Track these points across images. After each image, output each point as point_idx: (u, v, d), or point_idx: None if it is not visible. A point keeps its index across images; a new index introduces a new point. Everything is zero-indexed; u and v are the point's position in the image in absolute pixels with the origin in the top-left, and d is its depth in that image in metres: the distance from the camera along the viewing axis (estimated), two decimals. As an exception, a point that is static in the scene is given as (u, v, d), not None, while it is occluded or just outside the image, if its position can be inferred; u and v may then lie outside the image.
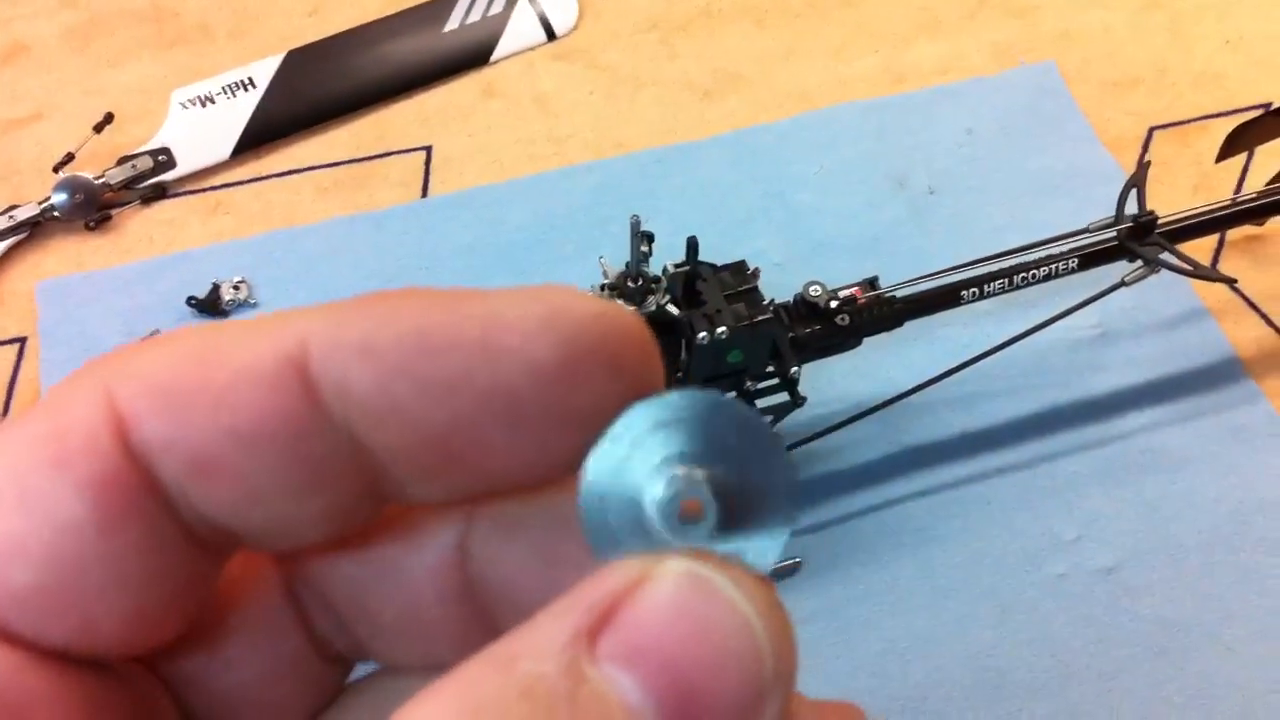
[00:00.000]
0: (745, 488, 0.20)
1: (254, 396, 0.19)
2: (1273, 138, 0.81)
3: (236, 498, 0.20)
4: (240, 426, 0.19)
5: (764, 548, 0.20)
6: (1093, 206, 0.88)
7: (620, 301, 0.66)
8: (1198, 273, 0.75)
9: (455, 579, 0.24)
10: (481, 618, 0.24)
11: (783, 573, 0.76)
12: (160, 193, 0.93)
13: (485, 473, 0.21)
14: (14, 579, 0.19)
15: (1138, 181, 0.77)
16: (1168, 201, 0.88)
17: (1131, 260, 0.76)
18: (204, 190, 0.94)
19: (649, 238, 0.65)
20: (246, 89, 0.97)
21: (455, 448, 0.20)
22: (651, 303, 0.66)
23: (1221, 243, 0.89)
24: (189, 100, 0.96)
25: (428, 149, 0.96)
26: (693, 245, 0.67)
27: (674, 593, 0.18)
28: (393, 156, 0.96)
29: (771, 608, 0.19)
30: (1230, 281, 0.77)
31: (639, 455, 0.20)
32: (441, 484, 0.21)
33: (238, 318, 0.86)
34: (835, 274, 0.77)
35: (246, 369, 0.19)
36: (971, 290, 0.74)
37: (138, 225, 0.92)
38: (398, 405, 0.19)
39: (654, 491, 0.20)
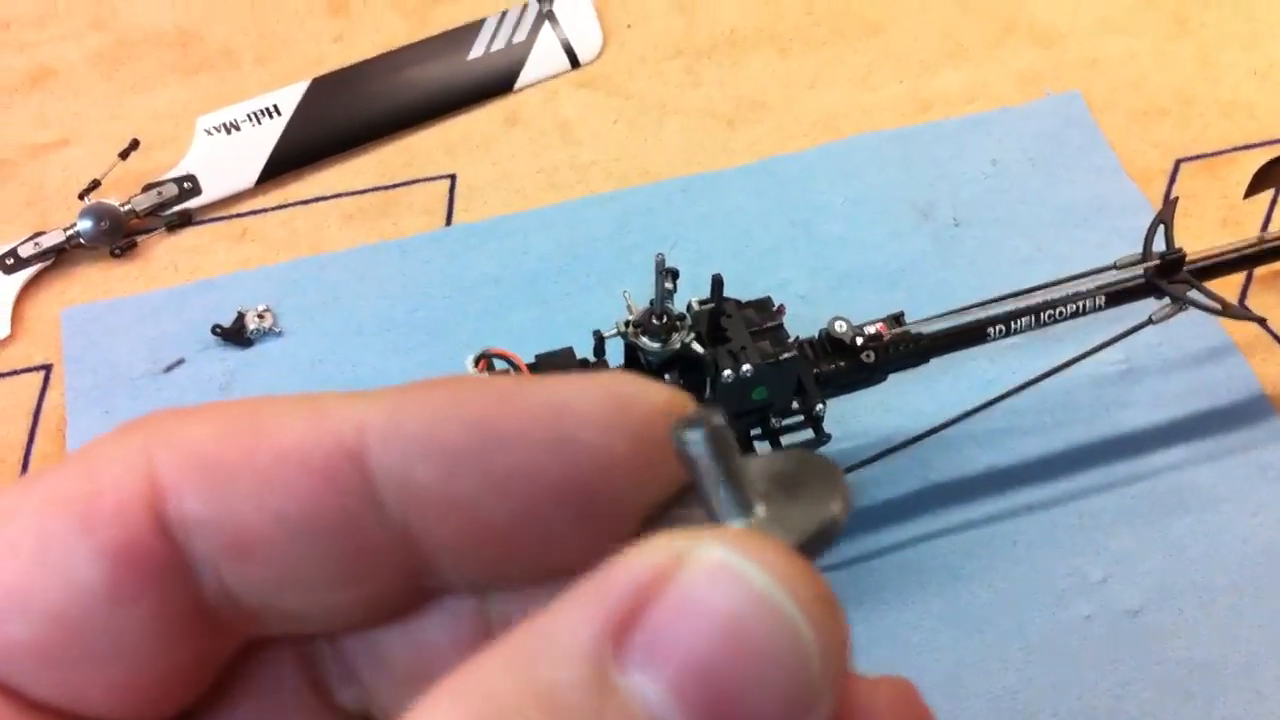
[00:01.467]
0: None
1: (304, 481, 0.19)
2: (1302, 174, 0.81)
3: (273, 582, 0.19)
4: (288, 511, 0.19)
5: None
6: (1119, 239, 0.88)
7: (645, 339, 0.66)
8: (1227, 311, 0.75)
9: (475, 627, 0.22)
10: None
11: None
12: (185, 220, 0.93)
13: (542, 565, 0.20)
14: (12, 632, 0.18)
15: (1165, 218, 0.77)
16: (1195, 235, 0.88)
17: (1159, 298, 0.75)
18: (229, 217, 0.94)
19: (674, 275, 0.65)
20: (272, 116, 0.97)
21: (517, 541, 0.19)
22: (676, 340, 0.65)
23: (1249, 278, 0.88)
24: (214, 127, 0.96)
25: (452, 177, 0.96)
26: (718, 283, 0.67)
27: (708, 588, 0.16)
28: (417, 184, 0.96)
29: (817, 597, 0.17)
30: (1260, 320, 0.76)
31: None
32: (491, 576, 0.21)
33: (263, 346, 0.86)
34: (860, 306, 0.76)
35: (298, 451, 0.19)
36: (998, 327, 0.74)
37: (163, 252, 0.92)
38: (462, 499, 0.19)
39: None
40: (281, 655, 0.23)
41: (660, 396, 0.20)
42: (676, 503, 0.20)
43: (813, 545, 0.19)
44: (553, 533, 0.20)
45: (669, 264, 0.65)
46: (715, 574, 0.17)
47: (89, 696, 0.19)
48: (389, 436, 0.19)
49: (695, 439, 0.18)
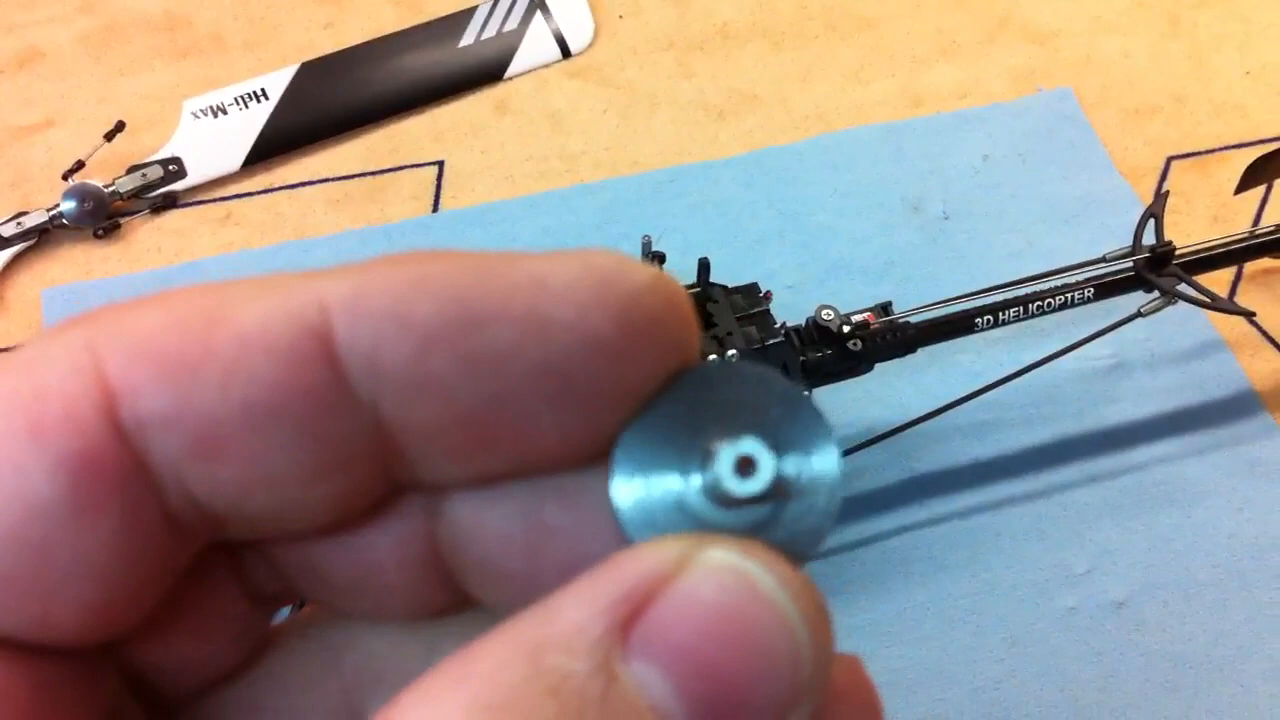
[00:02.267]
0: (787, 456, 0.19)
1: (269, 366, 0.17)
2: (1293, 170, 0.80)
3: (242, 481, 0.18)
4: (254, 400, 0.17)
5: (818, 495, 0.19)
6: (1109, 235, 0.88)
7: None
8: (1216, 305, 0.75)
9: (421, 546, 0.21)
10: (446, 579, 0.22)
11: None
12: (170, 202, 0.92)
13: (517, 454, 0.19)
14: None
15: (1155, 211, 0.76)
16: (1186, 232, 0.88)
17: (1148, 291, 0.75)
18: (214, 201, 0.94)
19: (660, 258, 0.65)
20: (259, 100, 0.96)
21: (493, 427, 0.19)
22: (661, 324, 0.65)
23: (1239, 274, 0.88)
24: (201, 110, 0.96)
25: (440, 164, 0.96)
26: (704, 266, 0.66)
27: (716, 589, 0.17)
28: (405, 170, 0.95)
29: (815, 609, 0.18)
30: (1249, 315, 0.76)
31: (681, 431, 0.19)
32: (465, 466, 0.19)
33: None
34: (848, 297, 0.76)
35: (261, 335, 0.18)
36: (986, 318, 0.73)
37: (147, 235, 0.92)
38: (434, 381, 0.18)
39: (704, 465, 0.19)
40: (215, 560, 0.21)
41: (644, 275, 0.19)
42: (658, 397, 0.19)
43: (799, 549, 0.19)
44: (528, 418, 0.19)
45: (655, 248, 0.64)
46: (724, 575, 0.17)
47: (56, 620, 0.18)
48: (356, 314, 0.18)
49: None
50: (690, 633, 0.17)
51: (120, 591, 0.18)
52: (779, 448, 0.19)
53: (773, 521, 0.19)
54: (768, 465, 0.18)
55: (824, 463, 0.19)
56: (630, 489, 0.19)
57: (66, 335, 0.18)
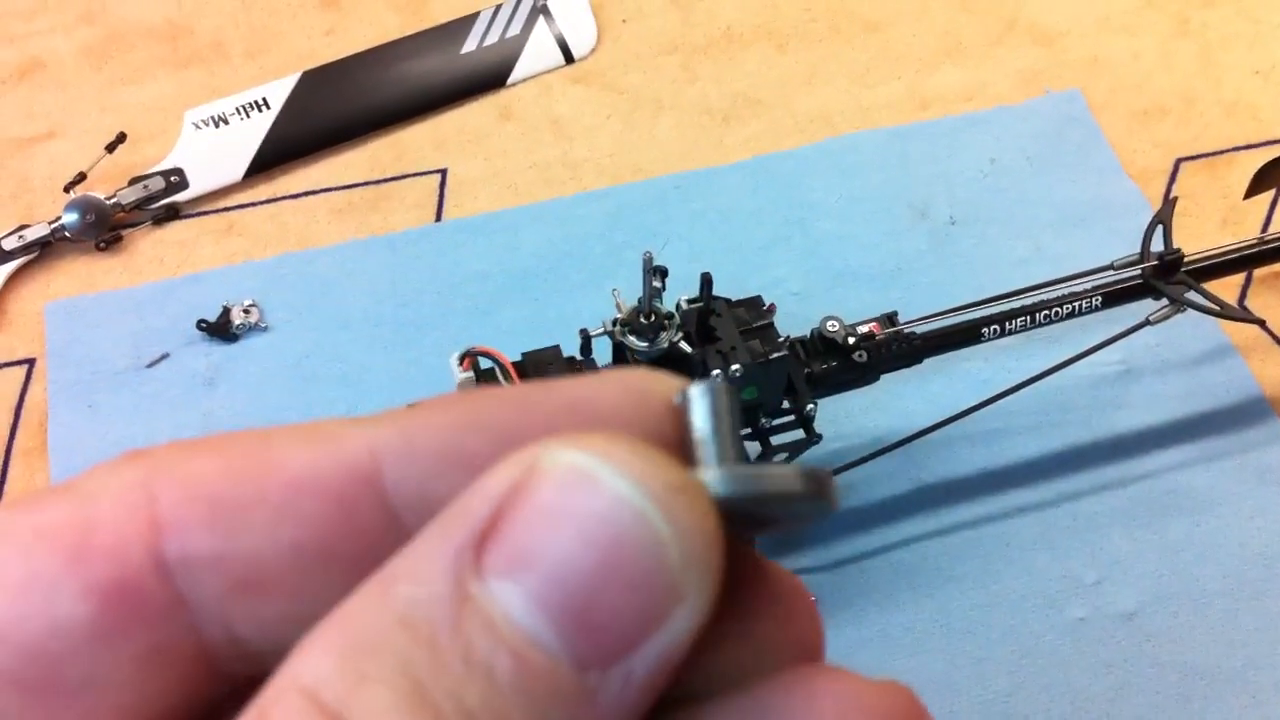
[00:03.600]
0: None
1: (318, 509, 0.18)
2: (1303, 174, 0.80)
3: (286, 618, 0.18)
4: (303, 540, 0.18)
5: None
6: (1117, 239, 0.87)
7: (633, 338, 0.65)
8: (1225, 313, 0.74)
9: None
10: None
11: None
12: (172, 214, 0.92)
13: None
14: None
15: (1164, 218, 0.76)
16: (1195, 234, 0.87)
17: (1157, 298, 0.74)
18: (216, 211, 0.93)
19: (662, 273, 0.64)
20: (261, 109, 0.96)
21: None
22: (664, 339, 0.64)
23: (1249, 279, 0.87)
24: (202, 120, 0.95)
25: (443, 172, 0.95)
26: (707, 281, 0.66)
27: (560, 494, 0.16)
28: (408, 179, 0.95)
29: (671, 488, 0.17)
30: (1260, 322, 0.75)
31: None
32: None
33: (248, 341, 0.85)
34: (854, 304, 0.75)
35: (310, 478, 0.18)
36: (993, 327, 0.72)
37: (149, 246, 0.91)
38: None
39: None
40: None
41: (675, 387, 0.19)
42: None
43: (764, 505, 0.19)
44: None
45: (662, 262, 0.64)
46: (566, 479, 0.17)
47: None
48: (404, 455, 0.18)
49: (696, 394, 0.19)
50: (537, 538, 0.16)
51: (136, 710, 0.18)
52: None
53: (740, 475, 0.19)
54: None
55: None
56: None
57: (124, 468, 0.19)
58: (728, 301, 0.68)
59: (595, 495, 0.16)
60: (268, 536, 0.18)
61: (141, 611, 0.18)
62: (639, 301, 0.65)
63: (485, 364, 0.66)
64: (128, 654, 0.18)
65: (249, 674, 0.19)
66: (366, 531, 0.18)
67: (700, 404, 0.19)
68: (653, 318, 0.65)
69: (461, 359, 0.66)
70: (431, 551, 0.17)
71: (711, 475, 0.18)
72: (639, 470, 0.17)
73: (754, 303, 0.69)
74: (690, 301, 0.66)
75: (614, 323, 0.66)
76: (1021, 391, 0.74)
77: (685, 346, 0.65)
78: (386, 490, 0.18)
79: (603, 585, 0.16)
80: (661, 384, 0.19)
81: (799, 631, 0.20)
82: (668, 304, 0.66)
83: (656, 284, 0.64)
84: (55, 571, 0.18)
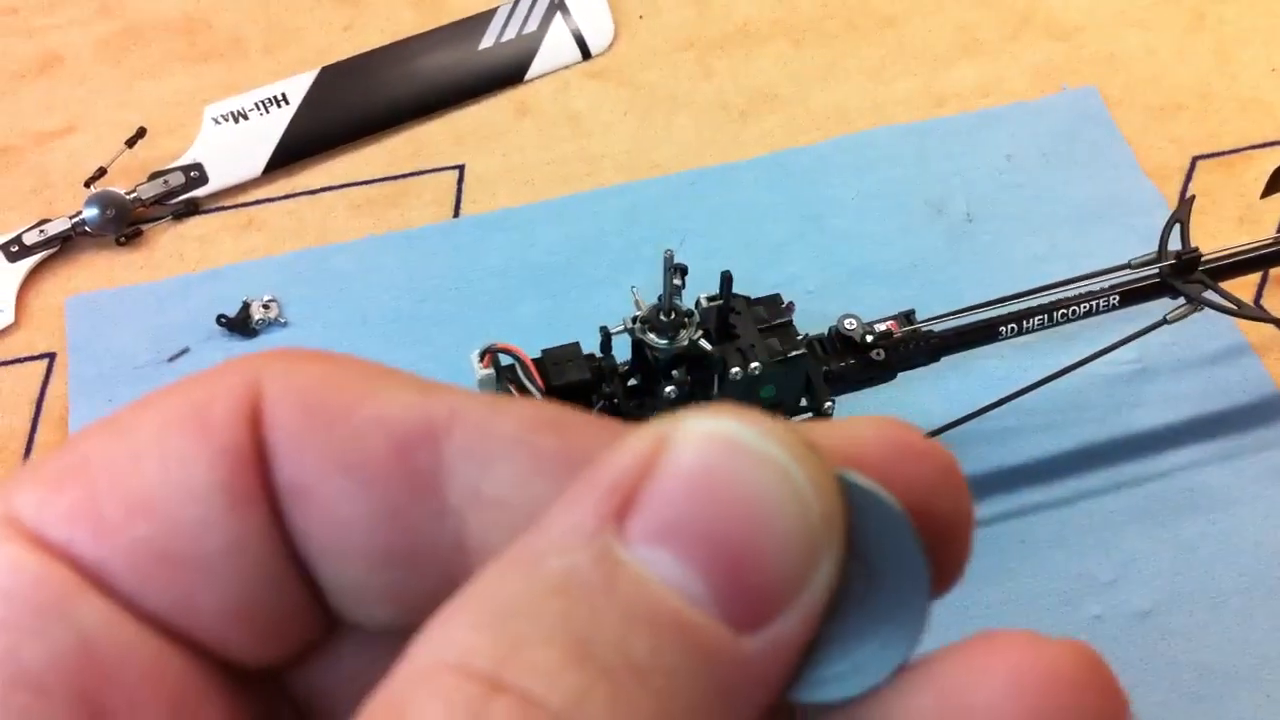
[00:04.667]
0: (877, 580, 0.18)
1: (380, 447, 0.19)
2: (1321, 174, 0.80)
3: (321, 535, 0.19)
4: (352, 468, 0.19)
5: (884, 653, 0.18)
6: (1134, 236, 0.87)
7: (653, 335, 0.65)
8: (1243, 312, 0.74)
9: None
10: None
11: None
12: (192, 209, 0.93)
13: None
14: (132, 531, 0.18)
15: (1181, 217, 0.76)
16: (1212, 232, 0.87)
17: (1174, 297, 0.74)
18: (236, 207, 0.94)
19: (682, 271, 0.64)
20: (280, 104, 0.96)
21: None
22: (684, 337, 0.65)
23: (1265, 278, 0.87)
24: (222, 115, 0.96)
25: (460, 168, 0.96)
26: (727, 280, 0.66)
27: (697, 456, 0.17)
28: (426, 175, 0.95)
29: (807, 452, 0.17)
30: (1276, 321, 0.76)
31: None
32: None
33: (268, 337, 0.86)
34: (870, 302, 0.76)
35: (386, 419, 0.19)
36: (1010, 326, 0.73)
37: (169, 241, 0.92)
38: (530, 505, 0.18)
39: None
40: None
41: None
42: None
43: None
44: None
45: (678, 259, 0.64)
46: (702, 441, 0.17)
47: (198, 608, 0.19)
48: (479, 428, 0.19)
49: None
50: (682, 503, 0.16)
51: (258, 601, 0.19)
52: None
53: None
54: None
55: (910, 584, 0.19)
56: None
57: (239, 363, 0.20)
58: (747, 299, 0.68)
59: (739, 455, 0.17)
60: (330, 450, 0.19)
61: (255, 484, 0.19)
62: (659, 299, 0.65)
63: (505, 360, 0.67)
64: (251, 522, 0.19)
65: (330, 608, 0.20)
66: (413, 480, 0.19)
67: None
68: (673, 315, 0.65)
69: (482, 355, 0.66)
70: (573, 524, 0.17)
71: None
72: (776, 433, 0.17)
73: (773, 301, 0.69)
74: (710, 299, 0.67)
75: (634, 320, 0.66)
76: (1037, 390, 0.74)
77: (705, 344, 0.65)
78: (448, 452, 0.19)
79: (753, 539, 0.16)
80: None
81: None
82: (687, 301, 0.66)
83: (677, 282, 0.64)
84: (185, 443, 0.19)
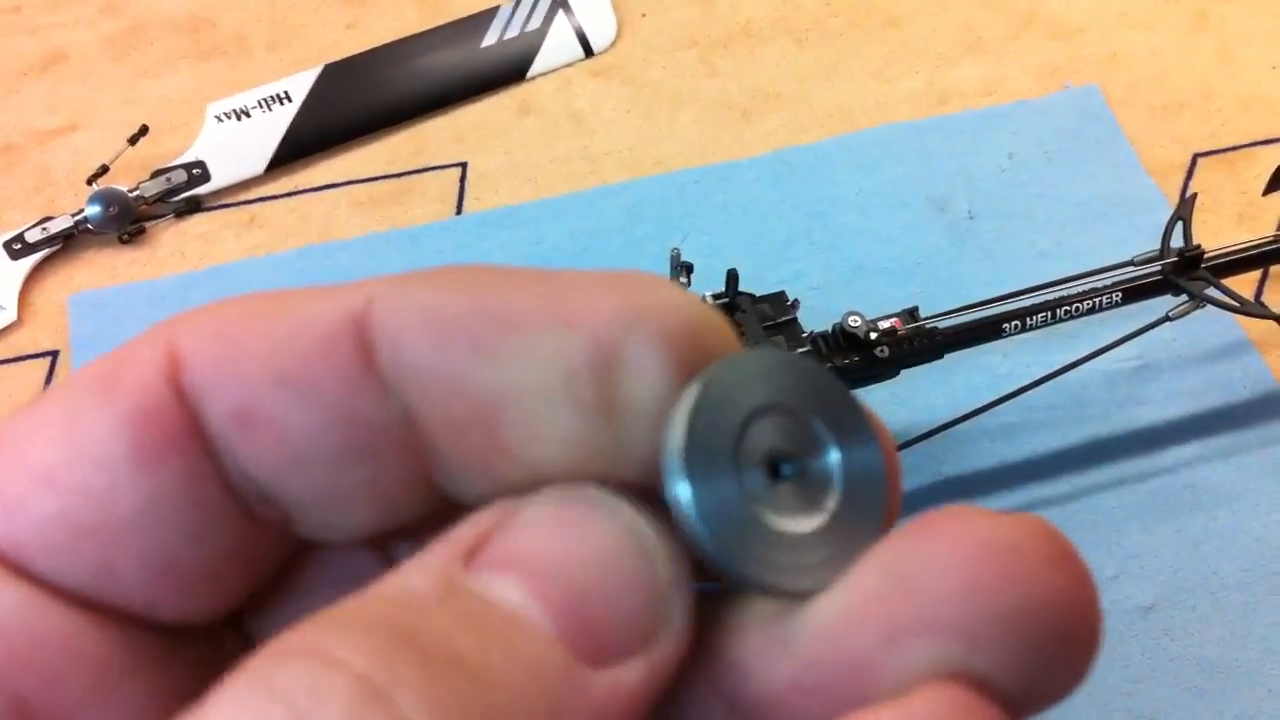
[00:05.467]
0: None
1: (306, 348, 0.19)
2: (1323, 170, 0.80)
3: (278, 454, 0.19)
4: (287, 376, 0.19)
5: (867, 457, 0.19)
6: (1136, 234, 0.87)
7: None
8: (1245, 309, 0.74)
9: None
10: None
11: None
12: (194, 206, 0.93)
13: (530, 462, 0.19)
14: (38, 507, 0.18)
15: (1183, 214, 0.76)
16: (1213, 230, 0.87)
17: (1176, 294, 0.74)
18: (238, 204, 0.94)
19: (688, 268, 0.65)
20: (282, 102, 0.96)
21: (504, 428, 0.19)
22: (688, 333, 0.65)
23: (1265, 275, 0.87)
24: (224, 113, 0.96)
25: (463, 165, 0.96)
26: (732, 277, 0.66)
27: (551, 508, 0.17)
28: (429, 172, 0.95)
29: (661, 525, 0.18)
30: (1278, 318, 0.76)
31: (726, 432, 0.18)
32: (485, 474, 0.20)
33: (270, 334, 0.86)
34: (874, 299, 0.76)
35: (304, 322, 0.19)
36: (1014, 323, 0.73)
37: (171, 239, 0.92)
38: (451, 371, 0.18)
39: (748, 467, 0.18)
40: (341, 567, 0.22)
41: (676, 313, 0.19)
42: (697, 394, 0.18)
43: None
44: (540, 422, 0.19)
45: (683, 257, 0.64)
46: (558, 496, 0.18)
47: (120, 575, 0.19)
48: (391, 308, 0.19)
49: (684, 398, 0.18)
50: (529, 542, 0.17)
51: (186, 558, 0.19)
52: (817, 441, 0.19)
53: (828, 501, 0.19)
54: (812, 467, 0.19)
55: (867, 456, 0.19)
56: (688, 490, 0.18)
57: (156, 326, 0.20)
58: (752, 297, 0.69)
59: (591, 509, 0.18)
60: (257, 370, 0.19)
61: (168, 436, 0.18)
62: (663, 296, 0.65)
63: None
64: (164, 482, 0.18)
65: (285, 531, 0.20)
66: (348, 371, 0.19)
67: (679, 411, 0.18)
68: (677, 313, 0.65)
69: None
70: (419, 563, 0.17)
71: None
72: (627, 507, 0.18)
73: (778, 298, 0.69)
74: (715, 297, 0.67)
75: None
76: (1040, 387, 0.74)
77: (709, 341, 0.65)
78: (371, 337, 0.19)
79: (597, 587, 0.17)
80: (663, 299, 0.18)
81: None
82: (691, 299, 0.66)
83: (683, 279, 0.64)
84: (90, 410, 0.19)
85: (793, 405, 0.18)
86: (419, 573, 0.17)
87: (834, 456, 0.19)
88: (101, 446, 0.18)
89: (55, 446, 0.18)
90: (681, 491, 0.17)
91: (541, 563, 0.17)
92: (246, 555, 0.20)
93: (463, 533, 0.18)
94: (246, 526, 0.20)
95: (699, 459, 0.17)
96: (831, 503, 0.18)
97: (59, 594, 0.19)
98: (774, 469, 0.18)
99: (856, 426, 0.19)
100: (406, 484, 0.20)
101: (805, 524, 0.18)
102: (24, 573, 0.18)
